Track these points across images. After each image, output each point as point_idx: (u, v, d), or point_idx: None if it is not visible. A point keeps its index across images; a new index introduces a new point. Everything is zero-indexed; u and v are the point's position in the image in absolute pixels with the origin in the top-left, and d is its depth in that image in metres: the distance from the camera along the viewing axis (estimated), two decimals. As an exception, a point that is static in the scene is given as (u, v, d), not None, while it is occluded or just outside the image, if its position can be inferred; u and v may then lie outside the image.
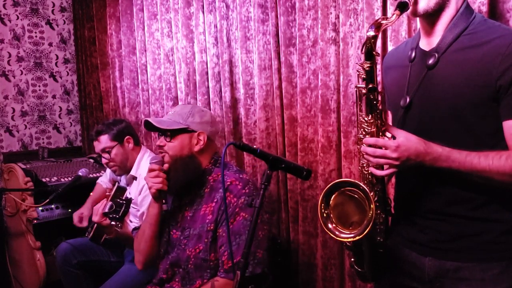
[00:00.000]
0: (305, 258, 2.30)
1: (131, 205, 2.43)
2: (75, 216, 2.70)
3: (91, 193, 2.87)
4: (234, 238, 1.64)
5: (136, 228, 2.00)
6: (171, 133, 1.79)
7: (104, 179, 2.90)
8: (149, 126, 1.82)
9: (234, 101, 2.62)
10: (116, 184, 2.57)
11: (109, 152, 2.48)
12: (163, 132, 1.81)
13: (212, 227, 1.71)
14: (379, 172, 1.22)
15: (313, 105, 2.20)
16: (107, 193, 2.65)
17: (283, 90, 2.31)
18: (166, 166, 1.76)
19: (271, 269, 1.73)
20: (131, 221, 2.51)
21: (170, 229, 1.85)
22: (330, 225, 1.23)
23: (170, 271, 1.80)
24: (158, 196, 1.75)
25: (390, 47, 1.83)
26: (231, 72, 2.61)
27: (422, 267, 1.29)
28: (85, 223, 2.66)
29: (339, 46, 2.04)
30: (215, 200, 1.74)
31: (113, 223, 2.19)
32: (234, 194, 1.70)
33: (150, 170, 1.75)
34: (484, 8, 1.54)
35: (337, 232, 1.22)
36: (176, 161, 1.77)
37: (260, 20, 2.36)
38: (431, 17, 1.25)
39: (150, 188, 1.75)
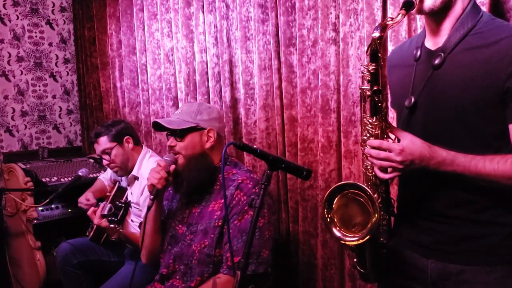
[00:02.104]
0: (305, 258, 2.30)
1: (134, 205, 2.44)
2: (82, 199, 2.64)
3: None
4: (241, 235, 1.65)
5: (141, 223, 2.02)
6: (181, 133, 1.78)
7: (106, 176, 2.90)
8: (158, 127, 1.82)
9: (234, 101, 2.62)
10: (117, 184, 2.58)
11: (109, 153, 2.46)
12: (172, 132, 1.80)
13: (219, 223, 1.71)
14: (382, 175, 1.21)
15: (313, 105, 2.20)
16: (107, 193, 2.65)
17: (283, 90, 2.31)
18: (172, 167, 1.76)
19: (272, 269, 1.73)
20: (132, 221, 2.51)
21: (176, 224, 1.85)
22: (335, 229, 1.22)
23: (171, 266, 1.81)
24: (151, 190, 1.74)
25: (390, 47, 1.83)
26: (231, 72, 2.61)
27: (425, 269, 1.27)
28: (92, 201, 2.60)
29: (339, 46, 2.04)
30: None
31: (112, 225, 2.20)
32: (244, 192, 1.70)
33: (158, 165, 1.76)
34: (485, 8, 1.53)
35: (342, 236, 1.21)
36: (190, 160, 1.77)
37: (260, 20, 2.36)
38: (437, 16, 1.22)
39: (147, 179, 1.75)
